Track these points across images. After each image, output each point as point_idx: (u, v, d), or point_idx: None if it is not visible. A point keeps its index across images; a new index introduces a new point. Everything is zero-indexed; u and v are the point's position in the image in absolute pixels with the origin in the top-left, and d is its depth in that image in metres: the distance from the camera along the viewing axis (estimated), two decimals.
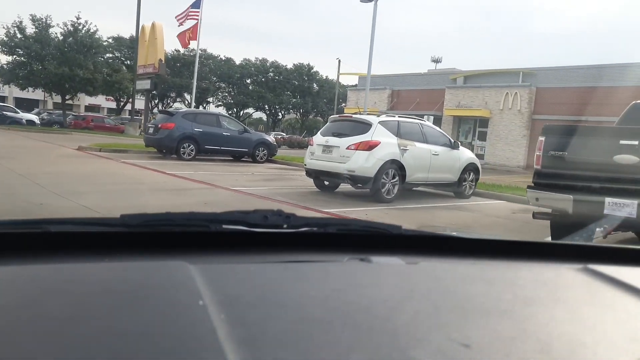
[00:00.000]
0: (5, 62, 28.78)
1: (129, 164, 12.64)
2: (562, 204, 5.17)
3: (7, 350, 0.49)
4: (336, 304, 0.68)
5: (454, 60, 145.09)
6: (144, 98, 38.75)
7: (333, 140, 9.22)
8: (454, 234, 1.23)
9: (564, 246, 1.26)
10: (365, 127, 9.11)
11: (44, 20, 29.21)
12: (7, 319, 0.57)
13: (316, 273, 0.83)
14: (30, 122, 30.33)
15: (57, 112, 34.19)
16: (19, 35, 28.26)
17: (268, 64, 61.08)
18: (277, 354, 0.52)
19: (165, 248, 0.91)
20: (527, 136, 25.34)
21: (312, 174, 9.73)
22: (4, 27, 28.78)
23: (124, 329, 0.55)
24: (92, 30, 29.61)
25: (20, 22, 28.48)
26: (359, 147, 8.83)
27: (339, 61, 48.91)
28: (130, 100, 40.20)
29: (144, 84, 28.61)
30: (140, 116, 31.85)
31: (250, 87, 59.64)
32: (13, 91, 61.03)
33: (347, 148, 8.92)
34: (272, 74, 61.32)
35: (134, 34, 29.25)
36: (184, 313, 0.60)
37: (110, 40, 45.27)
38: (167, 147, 15.20)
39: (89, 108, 62.82)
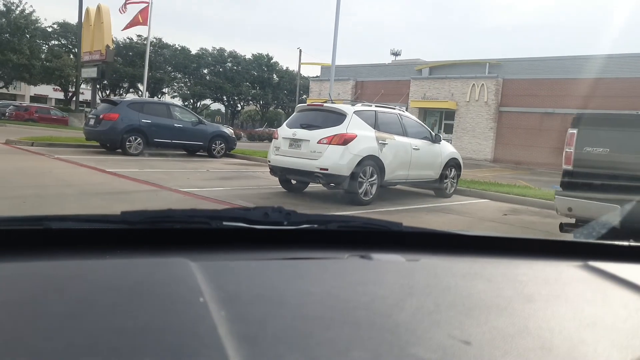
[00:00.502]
0: None
1: (62, 161, 10.82)
2: (606, 215, 3.95)
3: (9, 347, 0.49)
4: (336, 301, 0.68)
5: (418, 53, 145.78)
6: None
7: (302, 133, 7.80)
8: (455, 231, 1.19)
9: (565, 243, 1.25)
10: (339, 117, 7.74)
11: None
12: (9, 316, 0.57)
13: (316, 270, 0.82)
14: None
15: (17, 103, 30.97)
16: None
17: (226, 54, 58.82)
18: (278, 350, 0.52)
19: (166, 245, 0.90)
20: (494, 128, 24.70)
21: (278, 172, 8.25)
22: None
23: (125, 325, 0.55)
24: (27, 11, 26.41)
25: None
26: (333, 141, 7.46)
27: (300, 51, 47.44)
28: (75, 91, 37.38)
29: (90, 72, 26.17)
30: (88, 107, 29.33)
31: (207, 78, 57.32)
32: None
33: (319, 142, 7.53)
34: (230, 64, 59.14)
35: (77, 23, 26.64)
36: (184, 310, 0.60)
37: (55, 26, 41.94)
38: (110, 140, 13.38)
39: (35, 99, 58.78)
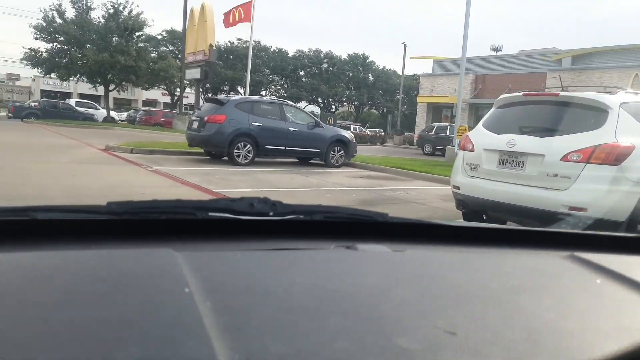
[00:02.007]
0: (45, 50, 24.87)
1: (159, 175, 8.43)
2: None
3: None
4: (322, 292, 0.66)
5: (526, 44, 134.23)
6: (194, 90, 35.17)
7: (526, 143, 4.51)
8: (440, 221, 1.17)
9: (551, 234, 1.21)
10: (595, 114, 4.36)
11: (84, 2, 25.10)
12: None
13: (302, 261, 0.81)
14: (110, 118, 27.84)
15: (146, 109, 30.59)
16: (58, 20, 24.26)
17: (322, 55, 56.63)
18: (263, 341, 0.51)
19: (152, 235, 0.89)
20: None
21: (475, 206, 4.93)
22: (41, 11, 24.58)
23: (110, 316, 0.54)
24: (135, 12, 25.32)
25: (60, 5, 24.53)
26: (593, 156, 4.11)
27: (405, 46, 43.20)
28: (184, 93, 36.73)
29: (194, 73, 24.64)
30: (191, 109, 28.00)
31: (304, 80, 55.50)
32: (78, 87, 59.79)
33: (564, 159, 4.22)
34: (326, 65, 56.90)
35: (182, 27, 25.14)
36: (169, 300, 0.58)
37: (164, 33, 41.90)
38: (215, 147, 10.93)
39: (147, 103, 60.56)
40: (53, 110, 25.22)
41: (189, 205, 0.94)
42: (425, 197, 8.02)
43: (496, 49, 44.06)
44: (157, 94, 56.06)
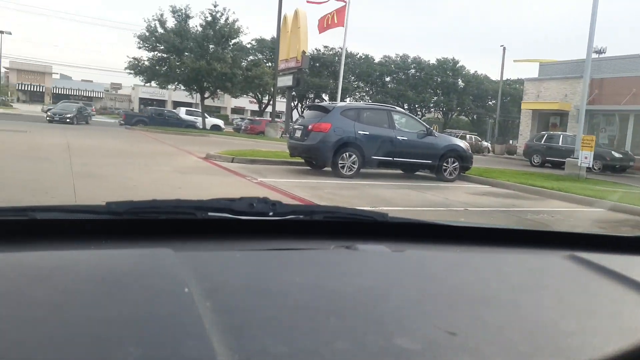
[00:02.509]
0: (147, 59, 25.71)
1: (265, 188, 7.72)
2: None
3: None
4: (322, 292, 0.66)
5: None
6: (283, 97, 35.00)
7: None
8: (440, 221, 1.17)
9: (552, 234, 1.21)
10: None
11: (183, 11, 25.57)
12: None
13: (302, 261, 0.81)
14: (216, 127, 28.57)
15: (251, 118, 31.17)
16: (159, 30, 25.01)
17: (409, 60, 54.97)
18: (263, 341, 0.50)
19: (151, 235, 0.88)
20: None
21: None
22: (145, 21, 25.68)
23: (110, 316, 0.53)
24: (231, 20, 25.47)
25: (161, 15, 25.24)
26: None
27: (504, 49, 40.48)
28: (272, 100, 36.81)
29: (286, 80, 24.35)
30: (281, 117, 27.82)
31: (390, 86, 54.18)
32: (173, 95, 62.99)
33: None
34: (413, 71, 55.16)
35: (276, 34, 24.94)
36: (169, 300, 0.58)
37: (253, 42, 42.60)
38: (319, 157, 10.12)
39: (235, 110, 62.37)
40: (159, 117, 26.36)
41: (188, 205, 0.94)
42: (579, 224, 6.59)
43: (599, 52, 39.90)
44: (245, 102, 57.43)
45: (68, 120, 23.59)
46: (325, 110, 10.32)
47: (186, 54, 23.31)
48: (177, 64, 23.47)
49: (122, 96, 68.75)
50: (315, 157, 10.28)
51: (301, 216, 0.98)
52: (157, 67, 24.81)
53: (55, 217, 0.85)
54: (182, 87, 27.03)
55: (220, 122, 31.56)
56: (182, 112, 30.19)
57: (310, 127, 10.00)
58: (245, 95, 36.17)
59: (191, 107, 48.19)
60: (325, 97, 55.35)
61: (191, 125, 26.16)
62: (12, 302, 0.56)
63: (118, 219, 0.87)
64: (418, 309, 0.63)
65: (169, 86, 27.24)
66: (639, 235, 1.10)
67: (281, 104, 50.67)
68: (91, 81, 68.68)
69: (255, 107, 53.38)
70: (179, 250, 0.73)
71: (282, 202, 0.96)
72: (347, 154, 9.76)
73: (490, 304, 0.67)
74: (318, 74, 46.77)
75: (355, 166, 9.81)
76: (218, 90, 25.85)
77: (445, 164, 10.67)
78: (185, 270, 0.66)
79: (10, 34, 47.93)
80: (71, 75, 69.75)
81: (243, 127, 28.59)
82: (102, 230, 0.86)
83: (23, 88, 57.71)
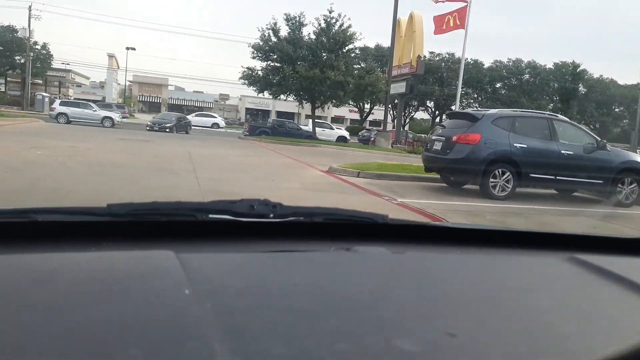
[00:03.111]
0: (260, 69, 25.35)
1: (411, 211, 6.43)
2: None
3: None
4: (322, 294, 0.66)
5: None
6: (381, 106, 33.47)
7: None
8: (439, 223, 1.40)
9: (552, 235, 1.21)
10: None
11: (297, 18, 24.88)
12: None
13: (302, 262, 0.80)
14: (342, 139, 28.29)
15: (378, 129, 30.46)
16: (273, 39, 24.54)
17: (523, 65, 50.92)
18: (263, 343, 0.50)
19: (152, 237, 0.87)
20: None
21: None
22: (259, 30, 25.03)
23: (111, 318, 0.53)
24: (345, 25, 24.23)
25: (275, 24, 24.75)
26: None
27: None
28: (377, 108, 35.75)
29: (398, 87, 23.02)
30: (388, 127, 26.43)
31: (502, 92, 50.55)
32: (276, 104, 64.44)
33: None
34: (527, 76, 51.03)
35: (380, 42, 23.66)
36: (170, 302, 0.58)
37: (357, 51, 41.81)
38: (465, 174, 8.63)
39: (335, 120, 62.18)
40: (281, 128, 26.40)
41: (189, 207, 0.94)
42: None
43: None
44: (344, 111, 56.80)
45: (167, 129, 23.67)
46: (472, 118, 8.80)
47: (299, 62, 22.60)
48: (291, 73, 22.85)
49: (230, 106, 71.73)
50: (461, 174, 8.80)
51: (301, 218, 0.97)
52: (270, 77, 24.42)
53: (56, 219, 0.85)
54: (293, 97, 26.62)
55: (346, 134, 30.58)
56: (309, 124, 29.72)
57: (454, 138, 8.55)
58: (346, 104, 35.18)
59: (293, 118, 48.64)
60: (430, 104, 53.07)
61: (310, 136, 25.67)
62: (13, 304, 0.56)
63: (119, 220, 0.86)
64: (418, 311, 0.63)
65: (282, 96, 26.91)
66: (639, 237, 1.09)
67: (379, 113, 49.41)
68: (202, 92, 72.68)
69: (354, 115, 52.51)
70: (179, 252, 0.73)
71: (282, 204, 0.96)
72: (500, 170, 8.17)
73: (490, 305, 0.67)
74: (423, 81, 44.75)
75: (509, 186, 8.18)
76: (329, 99, 25.02)
77: (620, 185, 8.65)
78: (185, 272, 0.66)
79: (134, 49, 51.93)
80: (184, 87, 74.39)
81: (372, 138, 27.44)
82: (103, 232, 0.85)
83: (143, 99, 62.32)
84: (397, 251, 0.89)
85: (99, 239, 0.82)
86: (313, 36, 24.40)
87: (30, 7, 37.36)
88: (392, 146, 22.22)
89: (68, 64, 54.54)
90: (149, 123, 25.35)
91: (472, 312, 0.64)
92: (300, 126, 27.73)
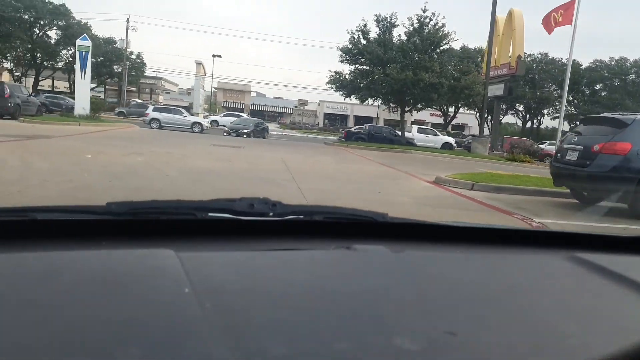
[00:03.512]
0: (349, 72, 24.37)
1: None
2: None
3: None
4: (322, 292, 0.66)
5: None
6: (467, 109, 31.32)
7: None
8: (440, 221, 1.14)
9: (552, 234, 1.20)
10: None
11: (388, 19, 23.63)
12: None
13: (302, 261, 0.81)
14: (447, 145, 27.52)
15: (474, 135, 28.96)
16: (362, 41, 23.48)
17: (628, 64, 46.28)
18: (263, 342, 0.50)
19: (152, 236, 0.87)
20: None
21: None
22: (348, 33, 24.04)
23: (110, 317, 0.53)
24: (439, 24, 22.75)
25: (365, 26, 23.68)
26: None
27: None
28: (462, 112, 34.02)
29: (495, 90, 21.39)
30: (484, 132, 24.62)
31: (602, 94, 46.31)
32: (354, 109, 63.76)
33: None
34: (633, 76, 46.32)
35: (467, 44, 21.98)
36: (169, 301, 0.58)
37: (453, 51, 39.99)
38: (610, 189, 7.27)
39: (414, 124, 60.20)
40: (377, 134, 25.47)
41: (188, 205, 0.93)
42: None
43: None
44: (425, 115, 54.72)
45: (245, 135, 23.28)
46: (619, 124, 7.41)
47: (389, 65, 21.43)
48: (382, 76, 21.74)
49: (309, 112, 72.21)
50: (603, 190, 7.44)
51: (301, 216, 0.97)
52: (358, 81, 23.41)
53: (55, 218, 0.85)
54: (381, 101, 25.52)
55: (451, 140, 28.82)
56: (414, 130, 28.44)
57: (596, 147, 7.22)
58: (451, 105, 33.11)
59: (371, 122, 47.40)
60: (520, 107, 49.78)
61: (410, 143, 24.33)
62: (12, 302, 0.56)
63: (118, 219, 0.86)
64: (418, 310, 0.63)
65: (370, 100, 25.81)
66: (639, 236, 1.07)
67: (463, 116, 46.82)
68: (282, 98, 73.84)
69: (435, 119, 50.36)
70: (179, 251, 0.73)
71: (282, 202, 0.96)
72: None
73: (491, 304, 0.67)
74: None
75: None
76: (421, 103, 23.61)
77: None
78: (185, 271, 0.65)
79: (220, 56, 53.63)
80: (265, 93, 76.02)
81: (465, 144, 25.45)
82: (102, 230, 0.85)
83: (227, 105, 64.31)
84: (398, 250, 0.88)
85: (98, 238, 0.82)
86: (404, 37, 23.20)
87: (128, 19, 39.64)
88: (489, 153, 20.57)
89: (159, 72, 57.66)
90: (226, 128, 25.17)
91: (472, 311, 0.63)
92: (397, 132, 26.29)
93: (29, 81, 43.46)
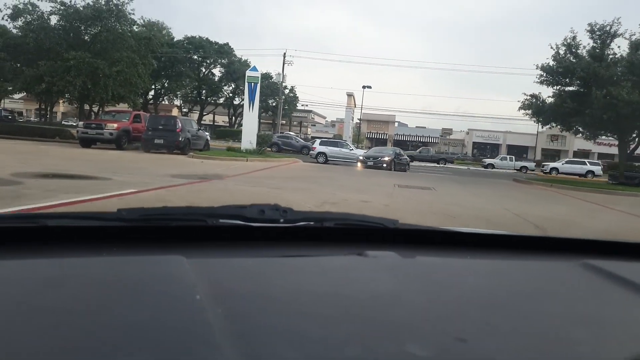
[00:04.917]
0: (552, 95, 20.16)
1: None
2: None
3: (6, 344, 0.48)
4: (333, 298, 0.66)
5: None
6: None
7: None
8: (450, 228, 1.15)
9: (563, 240, 1.18)
10: None
11: (608, 27, 19.12)
12: (5, 313, 0.56)
13: (313, 267, 0.81)
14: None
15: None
16: (570, 58, 19.54)
17: None
18: (274, 348, 0.50)
19: (162, 242, 0.87)
20: None
21: None
22: (552, 48, 20.14)
23: (121, 323, 0.54)
24: None
25: (573, 38, 19.67)
26: None
27: None
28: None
29: None
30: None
31: None
32: (507, 137, 58.22)
33: None
34: None
35: None
36: (180, 307, 0.58)
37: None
38: None
39: (576, 154, 52.74)
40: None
41: (199, 212, 0.94)
42: None
43: None
44: (588, 144, 47.18)
45: (384, 165, 20.64)
46: None
47: (613, 85, 17.12)
48: (602, 98, 17.42)
49: (455, 141, 68.01)
50: None
51: (312, 223, 0.97)
52: (564, 105, 19.25)
53: (66, 224, 0.85)
54: (587, 132, 20.49)
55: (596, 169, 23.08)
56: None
57: None
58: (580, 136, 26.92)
59: (527, 153, 41.22)
60: None
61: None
62: (25, 308, 0.56)
63: (129, 225, 0.86)
64: (428, 316, 0.63)
65: (584, 132, 20.93)
66: None
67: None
68: (424, 127, 70.65)
69: (602, 149, 42.55)
70: (190, 257, 0.73)
71: (292, 208, 0.96)
72: None
73: (501, 310, 0.67)
74: None
75: None
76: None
77: None
78: (196, 277, 0.66)
79: (370, 87, 52.77)
80: (407, 123, 73.58)
81: None
82: (113, 237, 0.85)
83: (371, 136, 63.13)
84: (408, 256, 0.88)
85: (109, 244, 0.82)
86: (626, 49, 18.85)
87: (284, 54, 40.46)
88: None
89: (307, 105, 58.74)
90: (360, 157, 22.34)
91: (483, 317, 0.63)
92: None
93: (194, 116, 46.79)
